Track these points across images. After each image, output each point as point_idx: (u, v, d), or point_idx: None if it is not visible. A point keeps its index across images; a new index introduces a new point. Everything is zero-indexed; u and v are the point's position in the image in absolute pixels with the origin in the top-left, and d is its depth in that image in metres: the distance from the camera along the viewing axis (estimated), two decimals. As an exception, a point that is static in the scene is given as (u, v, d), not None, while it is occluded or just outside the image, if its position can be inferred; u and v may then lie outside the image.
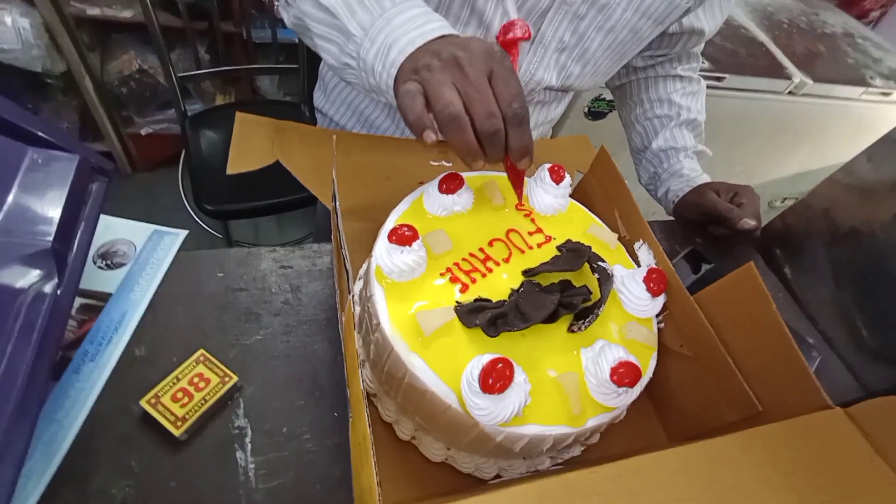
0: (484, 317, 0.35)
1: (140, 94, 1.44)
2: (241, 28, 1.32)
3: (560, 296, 0.37)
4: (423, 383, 0.33)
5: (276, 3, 0.46)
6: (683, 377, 0.43)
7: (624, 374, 0.33)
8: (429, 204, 0.42)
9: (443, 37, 0.38)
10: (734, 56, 1.30)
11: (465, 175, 0.43)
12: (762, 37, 1.41)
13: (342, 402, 0.40)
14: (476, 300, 0.37)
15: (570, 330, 0.38)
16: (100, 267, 0.42)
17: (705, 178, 0.69)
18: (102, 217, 0.44)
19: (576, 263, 0.40)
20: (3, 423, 0.23)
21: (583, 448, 0.42)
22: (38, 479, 0.31)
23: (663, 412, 0.46)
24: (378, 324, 0.35)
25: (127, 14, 1.25)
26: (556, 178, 0.45)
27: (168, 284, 0.43)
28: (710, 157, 0.74)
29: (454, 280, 0.38)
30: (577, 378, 0.35)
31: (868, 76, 1.42)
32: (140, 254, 0.43)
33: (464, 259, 0.39)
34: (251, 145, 0.55)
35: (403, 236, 0.36)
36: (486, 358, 0.31)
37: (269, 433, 0.38)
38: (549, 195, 0.45)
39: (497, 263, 0.40)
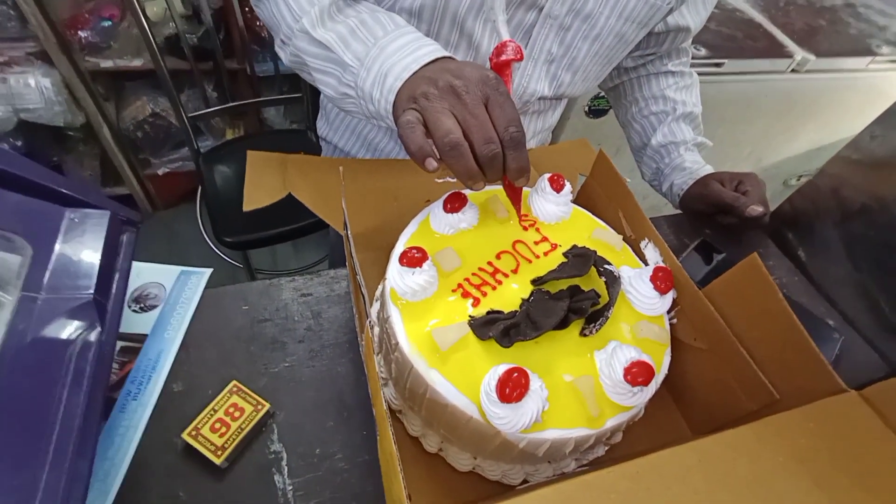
0: (497, 328, 0.36)
1: (155, 137, 1.50)
2: (244, 64, 1.37)
3: (569, 302, 0.38)
4: (443, 397, 0.34)
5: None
6: (700, 370, 0.43)
7: (637, 374, 0.34)
8: (435, 224, 0.44)
9: (437, 60, 0.40)
10: (732, 40, 1.28)
11: (467, 192, 0.45)
12: (758, 17, 1.39)
13: (370, 420, 0.42)
14: (488, 313, 0.38)
15: (583, 334, 0.39)
16: (134, 311, 0.44)
17: (708, 169, 0.70)
18: (134, 263, 0.48)
19: (582, 268, 0.41)
20: (66, 464, 0.25)
21: (607, 448, 0.42)
22: (97, 515, 0.34)
23: (684, 406, 0.47)
24: (397, 343, 0.37)
25: (137, 62, 1.31)
26: (557, 186, 0.46)
27: (198, 322, 0.45)
28: (710, 147, 0.75)
29: (466, 295, 0.39)
30: (592, 380, 0.36)
31: (874, 45, 1.39)
32: (170, 295, 0.46)
33: (473, 274, 0.41)
34: (264, 181, 0.58)
35: (413, 258, 0.38)
36: (502, 368, 0.33)
37: (303, 455, 0.40)
38: (551, 204, 0.46)
39: (506, 275, 0.42)
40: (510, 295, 0.40)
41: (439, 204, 0.44)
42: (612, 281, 0.40)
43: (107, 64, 1.27)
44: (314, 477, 0.39)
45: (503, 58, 0.41)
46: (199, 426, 0.37)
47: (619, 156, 1.23)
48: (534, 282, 0.41)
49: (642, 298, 0.41)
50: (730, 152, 1.48)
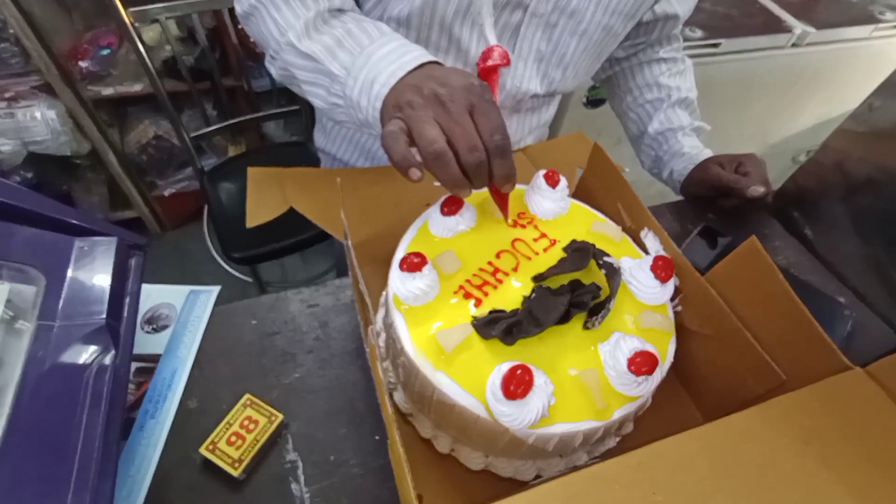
0: (499, 327, 0.37)
1: (159, 159, 1.52)
2: (241, 81, 1.40)
3: (570, 296, 0.38)
4: (451, 398, 0.35)
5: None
6: (707, 356, 0.43)
7: (641, 363, 0.34)
8: (434, 228, 0.44)
9: (422, 66, 0.40)
10: (727, 19, 1.26)
11: (463, 194, 0.45)
12: (754, -7, 1.37)
13: (381, 425, 0.43)
14: (491, 312, 0.38)
15: (585, 327, 0.39)
16: (147, 332, 0.46)
17: (707, 153, 0.69)
18: (145, 286, 0.49)
19: (582, 262, 0.42)
20: (89, 485, 0.26)
21: (618, 439, 0.43)
22: (123, 532, 0.35)
23: (694, 392, 0.47)
24: (402, 348, 0.37)
25: (137, 87, 1.34)
26: (552, 182, 0.46)
27: (209, 339, 0.47)
28: (708, 131, 0.74)
29: (468, 296, 0.40)
30: (597, 373, 0.36)
31: (876, 11, 1.34)
32: (180, 314, 0.47)
33: (474, 275, 0.41)
34: (265, 197, 0.59)
35: (413, 263, 0.38)
36: (506, 366, 0.33)
37: (318, 463, 0.40)
38: (547, 200, 0.47)
39: (506, 274, 0.42)
40: (512, 293, 0.41)
41: (437, 208, 0.45)
42: (612, 273, 0.41)
43: (108, 91, 1.30)
44: (330, 484, 0.40)
45: (490, 63, 0.41)
46: (215, 440, 0.38)
47: (620, 146, 1.22)
48: (534, 279, 0.41)
49: (644, 288, 0.41)
50: (734, 133, 1.45)
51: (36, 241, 0.34)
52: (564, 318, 0.37)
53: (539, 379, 0.33)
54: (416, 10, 0.52)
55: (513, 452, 0.38)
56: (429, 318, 0.38)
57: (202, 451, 0.38)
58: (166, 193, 1.60)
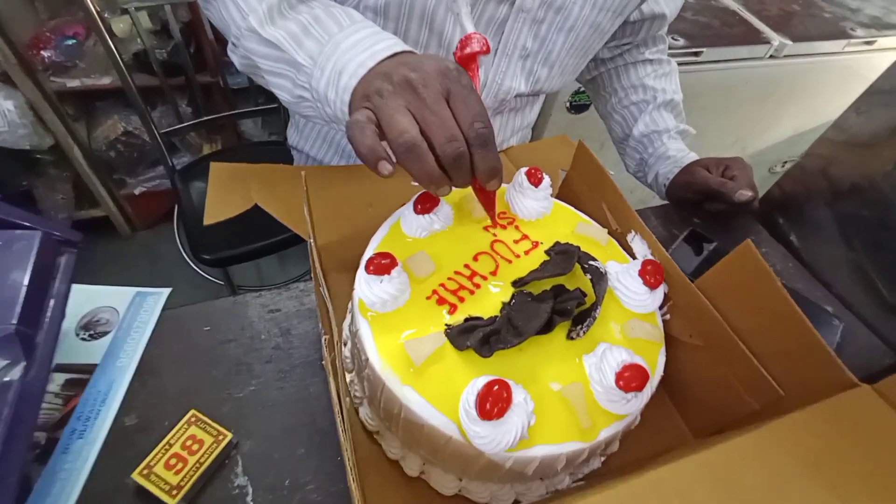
0: (475, 337, 0.33)
1: (129, 156, 1.46)
2: (216, 77, 1.35)
3: (553, 303, 0.35)
4: (419, 417, 0.31)
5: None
6: (698, 368, 0.41)
7: (630, 379, 0.31)
8: (406, 227, 0.41)
9: (395, 55, 0.36)
10: (708, 28, 1.29)
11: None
12: (734, 5, 1.40)
13: (345, 444, 0.39)
14: (466, 320, 0.35)
15: (569, 337, 0.36)
16: (83, 338, 0.41)
17: (693, 157, 0.67)
18: (83, 287, 0.44)
19: (566, 266, 0.38)
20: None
21: (603, 458, 0.39)
22: (37, 571, 0.30)
23: (683, 407, 0.44)
24: (367, 359, 0.34)
25: (106, 81, 1.27)
26: (535, 180, 0.43)
27: (154, 346, 0.42)
28: (693, 135, 0.73)
29: (441, 302, 0.36)
30: (581, 388, 0.33)
31: (848, 28, 1.40)
32: (123, 319, 0.43)
33: (449, 278, 0.38)
34: (228, 194, 0.55)
35: (381, 265, 0.34)
36: (481, 382, 0.30)
37: (271, 488, 0.36)
38: (529, 199, 0.44)
39: (484, 278, 0.39)
40: (490, 299, 0.37)
41: (410, 205, 0.41)
42: (599, 278, 0.38)
43: (74, 84, 1.24)
44: (285, 511, 0.35)
45: (468, 51, 0.38)
46: (151, 464, 0.34)
47: (603, 151, 1.21)
48: (515, 283, 0.38)
49: (631, 295, 0.38)
50: (715, 141, 1.47)
51: (-61, 234, 0.30)
52: (547, 327, 0.34)
53: (518, 396, 0.30)
54: None
55: (489, 476, 0.34)
56: (397, 326, 0.35)
57: (135, 476, 0.33)
58: (136, 192, 1.53)
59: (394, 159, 0.32)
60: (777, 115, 1.50)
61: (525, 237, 0.42)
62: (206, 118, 1.21)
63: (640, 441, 0.41)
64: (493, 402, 0.28)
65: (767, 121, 1.51)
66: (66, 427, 0.36)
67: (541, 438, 0.31)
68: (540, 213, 0.44)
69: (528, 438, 0.30)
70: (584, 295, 0.37)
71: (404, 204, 0.44)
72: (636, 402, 0.32)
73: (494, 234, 0.42)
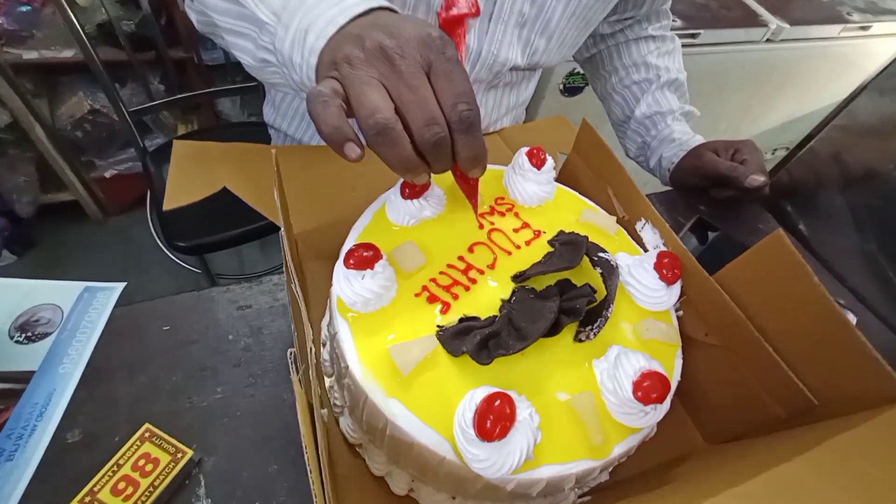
0: (472, 341, 0.29)
1: (97, 136, 1.37)
2: (191, 52, 1.26)
3: (560, 300, 0.31)
4: (407, 434, 0.27)
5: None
6: (714, 370, 0.37)
7: (650, 389, 0.27)
8: (392, 214, 0.36)
9: (370, 11, 0.31)
10: (706, 10, 1.27)
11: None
12: (730, -14, 1.36)
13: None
14: (461, 320, 0.31)
15: (577, 339, 0.32)
16: (18, 341, 0.35)
17: (699, 140, 0.63)
18: (21, 282, 0.38)
19: (573, 259, 0.34)
20: None
21: (610, 470, 0.36)
22: None
23: (695, 412, 0.40)
24: (347, 367, 0.29)
25: (67, 53, 1.18)
26: (537, 162, 0.39)
27: (105, 349, 0.37)
28: (697, 116, 0.69)
29: (433, 299, 0.32)
30: (592, 398, 0.29)
31: (844, 12, 1.39)
32: (68, 318, 0.37)
33: (441, 273, 0.33)
34: (191, 176, 0.49)
35: (362, 259, 0.30)
36: (480, 394, 0.26)
37: (238, 511, 0.32)
38: (531, 183, 0.39)
39: (481, 272, 0.34)
40: (488, 296, 0.33)
41: (396, 189, 0.36)
42: (610, 272, 0.33)
43: (31, 55, 1.14)
44: (254, 537, 0.31)
45: (454, 11, 0.32)
46: (95, 489, 0.29)
47: (600, 134, 1.17)
48: (515, 278, 0.34)
49: (646, 291, 0.34)
50: (709, 126, 1.45)
51: None
52: (554, 329, 0.30)
53: (523, 411, 0.25)
54: None
55: (488, 497, 0.30)
56: (382, 329, 0.30)
57: (75, 504, 0.29)
58: (107, 175, 1.44)
59: (363, 141, 0.27)
60: (771, 102, 1.49)
61: (526, 225, 0.38)
62: (179, 96, 1.13)
63: (648, 449, 0.37)
64: (495, 420, 0.24)
65: (761, 107, 1.50)
66: (-8, 447, 0.31)
67: (548, 458, 0.27)
68: (542, 199, 0.40)
69: (534, 459, 0.26)
70: (594, 291, 0.32)
71: (391, 188, 0.39)
72: (655, 415, 0.28)
73: (492, 222, 0.37)
